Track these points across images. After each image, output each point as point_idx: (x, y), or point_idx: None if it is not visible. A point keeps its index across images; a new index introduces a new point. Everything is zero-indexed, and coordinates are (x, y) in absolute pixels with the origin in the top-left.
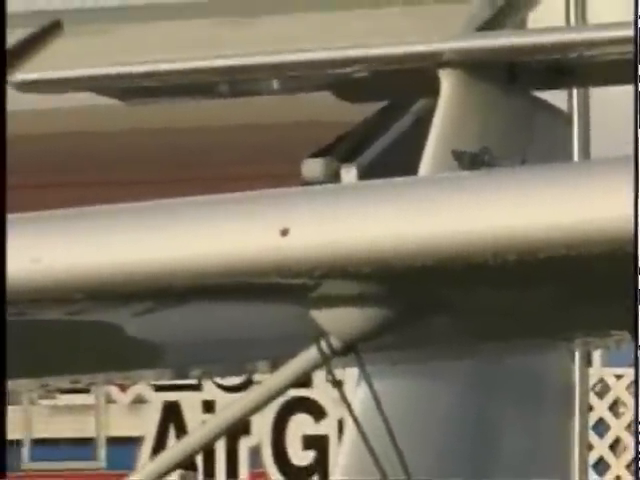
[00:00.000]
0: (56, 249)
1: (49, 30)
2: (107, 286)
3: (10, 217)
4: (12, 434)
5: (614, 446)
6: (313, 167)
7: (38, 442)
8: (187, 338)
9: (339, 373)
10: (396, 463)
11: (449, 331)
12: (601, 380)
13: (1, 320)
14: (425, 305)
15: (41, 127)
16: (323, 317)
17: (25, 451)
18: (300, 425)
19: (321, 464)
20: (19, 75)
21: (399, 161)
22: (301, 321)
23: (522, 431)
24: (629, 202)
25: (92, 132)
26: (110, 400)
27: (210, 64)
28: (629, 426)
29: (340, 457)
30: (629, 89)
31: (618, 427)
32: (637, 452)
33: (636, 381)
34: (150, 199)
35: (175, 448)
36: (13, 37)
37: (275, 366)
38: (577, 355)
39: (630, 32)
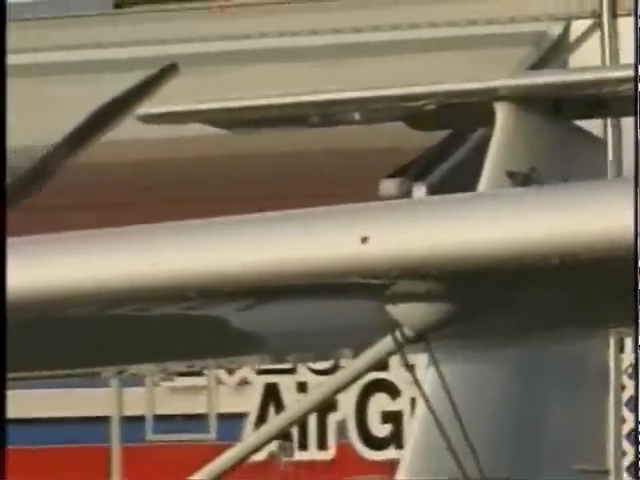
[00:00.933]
0: (169, 255)
1: (167, 71)
2: (215, 286)
3: (133, 228)
4: (137, 411)
5: None
6: (389, 186)
7: (159, 418)
8: (283, 329)
9: (411, 358)
10: (459, 434)
11: (503, 323)
12: (632, 364)
13: (1, 319)
14: (483, 301)
15: (156, 153)
16: (397, 311)
17: (148, 426)
18: (379, 403)
19: (397, 435)
20: (142, 109)
21: (462, 180)
22: (378, 314)
23: (565, 408)
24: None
25: (198, 157)
26: (219, 382)
27: (303, 99)
28: None
29: (413, 429)
30: None
31: None
32: (637, 452)
33: (636, 381)
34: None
35: (274, 422)
36: (135, 78)
37: (357, 353)
38: (612, 342)
39: None
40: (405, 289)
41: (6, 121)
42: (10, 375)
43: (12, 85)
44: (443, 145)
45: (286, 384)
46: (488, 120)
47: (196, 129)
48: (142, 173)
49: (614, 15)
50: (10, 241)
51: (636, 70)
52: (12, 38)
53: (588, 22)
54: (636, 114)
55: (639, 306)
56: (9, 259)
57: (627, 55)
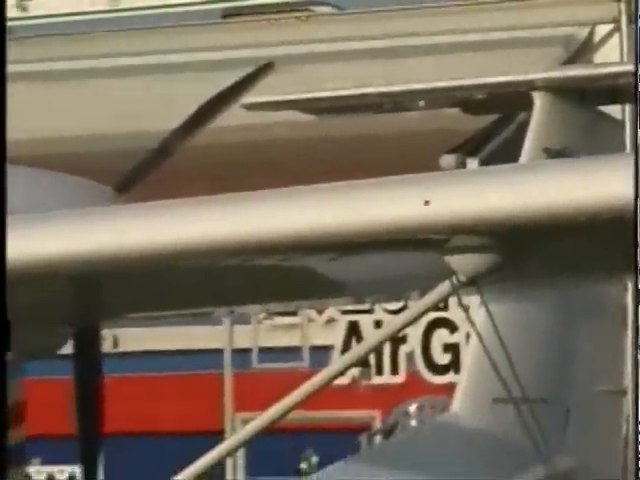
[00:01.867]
0: (274, 219)
1: (263, 69)
2: (311, 242)
3: (236, 194)
4: (245, 344)
5: None
6: (448, 160)
7: (262, 350)
8: (362, 276)
9: (465, 300)
10: (505, 361)
11: (537, 270)
12: None
13: (1, 318)
14: (523, 252)
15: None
16: (453, 261)
17: (254, 356)
18: (440, 336)
19: (455, 363)
20: (247, 99)
21: (506, 155)
22: (438, 264)
23: (590, 340)
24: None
25: (289, 139)
26: (311, 320)
27: (378, 90)
28: None
29: (467, 357)
30: None
31: None
32: (637, 452)
33: (636, 381)
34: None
35: (355, 352)
36: (236, 75)
37: (422, 295)
38: (629, 284)
39: None
40: (460, 243)
41: (6, 121)
42: (148, 314)
43: (142, 80)
44: (491, 127)
45: (365, 321)
46: (527, 106)
47: (287, 115)
48: (244, 153)
49: (630, 20)
50: (144, 205)
51: (636, 70)
52: (146, 42)
53: (609, 27)
54: (636, 114)
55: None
56: (145, 221)
57: None
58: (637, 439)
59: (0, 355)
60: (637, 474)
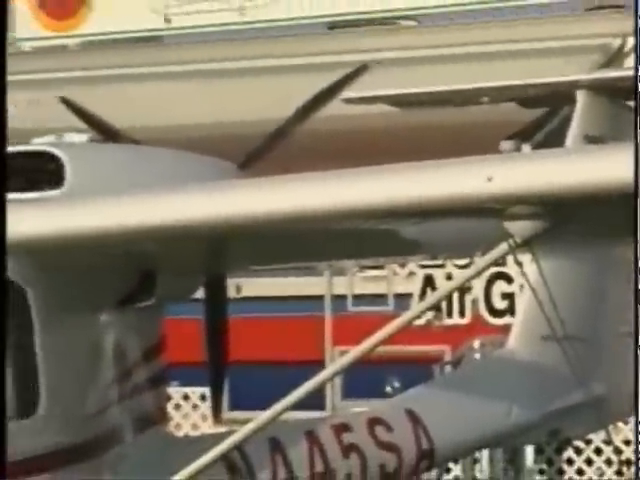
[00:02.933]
0: (353, 194)
1: (360, 70)
2: (398, 209)
3: (336, 171)
4: (341, 292)
5: None
6: (506, 145)
7: (356, 296)
8: (438, 238)
9: (520, 257)
10: (551, 306)
11: (579, 234)
12: None
13: (1, 318)
14: (567, 220)
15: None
16: (511, 226)
17: (348, 302)
18: (499, 286)
19: (511, 308)
20: (346, 94)
21: (554, 141)
22: (499, 228)
23: (615, 289)
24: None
25: (378, 127)
26: (395, 273)
27: (452, 88)
28: None
29: (520, 304)
30: None
31: None
32: (637, 451)
33: (636, 380)
34: None
35: (430, 299)
36: (337, 75)
37: (485, 253)
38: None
39: None
40: (515, 211)
41: (6, 121)
42: (266, 267)
43: (263, 79)
44: (542, 118)
45: (438, 274)
46: (571, 101)
47: (377, 107)
48: (341, 137)
49: None
50: (264, 179)
51: (636, 70)
52: (267, 48)
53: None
54: (636, 112)
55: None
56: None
57: None
58: (637, 439)
59: (0, 360)
60: (637, 474)
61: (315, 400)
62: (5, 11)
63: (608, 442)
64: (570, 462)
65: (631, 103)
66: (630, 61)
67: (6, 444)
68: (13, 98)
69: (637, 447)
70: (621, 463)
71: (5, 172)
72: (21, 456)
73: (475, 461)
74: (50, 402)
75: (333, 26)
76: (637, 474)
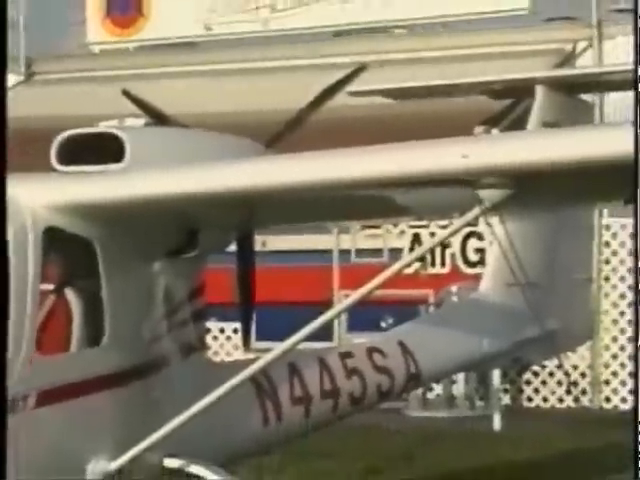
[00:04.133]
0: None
1: (359, 69)
2: (393, 179)
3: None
4: (346, 247)
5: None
6: (478, 129)
7: (358, 250)
8: (423, 203)
9: (490, 219)
10: (514, 258)
11: (538, 199)
12: (608, 226)
13: (1, 320)
14: (528, 188)
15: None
16: (483, 194)
17: (352, 255)
18: (473, 243)
19: (482, 260)
20: (351, 88)
21: (518, 127)
22: (473, 195)
23: (571, 244)
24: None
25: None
26: (389, 231)
27: (436, 83)
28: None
29: (490, 256)
30: (621, 94)
31: (616, 245)
32: (637, 451)
33: (636, 380)
34: None
35: (416, 252)
36: (342, 74)
37: (462, 214)
38: (596, 210)
39: (622, 67)
40: (487, 182)
41: (7, 120)
42: (287, 225)
43: (282, 76)
44: (508, 108)
45: (424, 233)
46: (531, 94)
47: (373, 99)
48: (345, 123)
49: (600, 40)
50: (286, 155)
51: (636, 70)
52: (285, 51)
53: (585, 43)
54: (636, 111)
55: (639, 307)
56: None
57: (606, 61)
58: (637, 439)
59: (1, 355)
60: (637, 474)
61: (324, 333)
62: (5, 12)
63: (559, 367)
64: (528, 383)
65: (580, 96)
66: (581, 61)
67: (6, 442)
68: (86, 90)
69: (637, 447)
70: (569, 384)
71: (5, 172)
72: (92, 376)
73: (453, 382)
74: (113, 334)
75: (338, 34)
76: (637, 474)
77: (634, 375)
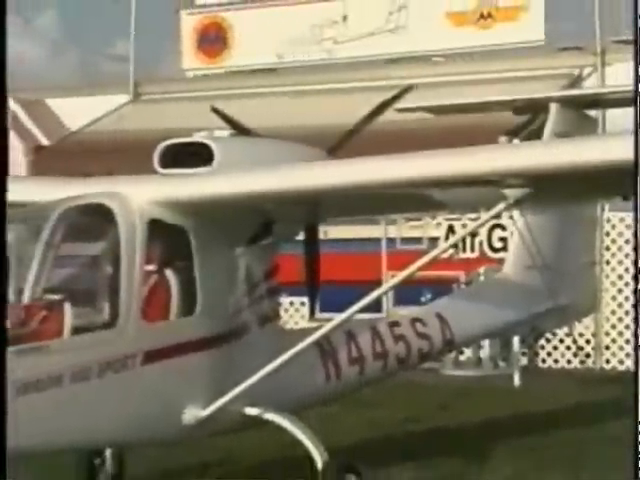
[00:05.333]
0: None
1: (406, 89)
2: (432, 180)
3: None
4: (392, 235)
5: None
6: (502, 139)
7: (403, 239)
8: (457, 199)
9: (513, 213)
10: (532, 245)
11: (553, 198)
12: (608, 219)
13: (1, 323)
14: (545, 187)
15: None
16: (507, 192)
17: (397, 242)
18: (497, 233)
19: (505, 247)
20: (400, 105)
21: (535, 137)
22: (498, 194)
23: (579, 234)
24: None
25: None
26: (427, 222)
27: (469, 101)
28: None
29: (511, 244)
30: (620, 110)
31: (615, 234)
32: (637, 451)
33: (636, 381)
34: None
35: (451, 240)
36: (386, 95)
37: (488, 209)
38: (598, 206)
39: (620, 89)
40: (510, 182)
41: (7, 118)
42: (344, 218)
43: (343, 96)
44: (527, 122)
45: (457, 224)
46: (546, 110)
47: (417, 114)
48: (393, 134)
49: (603, 65)
50: (344, 160)
51: (636, 70)
52: (344, 75)
53: (591, 68)
54: (636, 111)
55: (639, 307)
56: (344, 169)
57: (608, 83)
58: (637, 439)
59: (1, 355)
60: (637, 474)
61: (375, 306)
62: (5, 12)
63: (568, 334)
64: (542, 347)
65: (587, 111)
66: (587, 83)
67: (6, 443)
68: (182, 107)
69: (637, 447)
70: (577, 348)
71: (6, 171)
72: (186, 340)
73: (480, 346)
74: (203, 305)
75: (389, 61)
76: (637, 474)
77: (634, 374)
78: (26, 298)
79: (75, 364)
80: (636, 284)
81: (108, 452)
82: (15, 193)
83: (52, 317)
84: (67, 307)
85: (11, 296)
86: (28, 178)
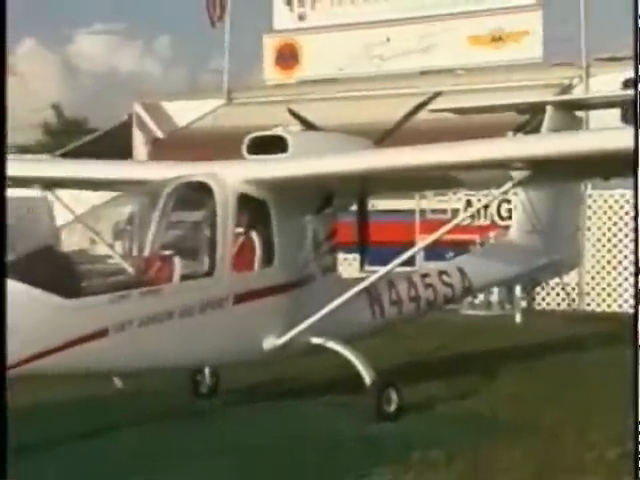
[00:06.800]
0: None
1: (435, 95)
2: (455, 165)
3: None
4: (423, 207)
5: (594, 213)
6: (509, 134)
7: (432, 210)
8: (474, 179)
9: (517, 190)
10: (533, 214)
11: (551, 178)
12: (590, 195)
13: (1, 326)
14: (542, 170)
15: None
16: (512, 173)
17: (427, 212)
18: (505, 205)
19: (510, 217)
20: (431, 106)
21: (535, 132)
22: (506, 174)
23: (567, 209)
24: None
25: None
26: (450, 197)
27: (484, 104)
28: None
29: (515, 214)
30: (601, 111)
31: (596, 207)
32: (637, 452)
33: (635, 379)
34: None
35: (469, 211)
36: (420, 99)
37: (497, 187)
38: (584, 184)
39: (600, 95)
40: (515, 166)
41: (7, 121)
42: (388, 193)
43: (388, 101)
44: (528, 120)
45: (473, 199)
46: (544, 111)
47: (444, 114)
48: (423, 130)
49: (587, 77)
50: (385, 149)
51: (636, 71)
52: (385, 84)
53: (578, 79)
54: (636, 112)
55: (639, 306)
56: (392, 154)
57: (591, 90)
58: (637, 439)
59: (1, 353)
60: (637, 474)
61: (410, 262)
62: (4, 13)
63: (558, 283)
64: (538, 293)
65: (575, 112)
66: (575, 90)
67: (7, 443)
68: (263, 108)
69: (637, 447)
70: (565, 294)
71: (5, 171)
72: (267, 285)
73: (490, 292)
74: (280, 258)
75: (422, 73)
76: (637, 474)
77: (634, 374)
78: (146, 253)
79: (182, 303)
80: (636, 284)
81: (207, 370)
82: (138, 173)
83: (165, 267)
84: (176, 260)
85: (135, 251)
86: (148, 162)
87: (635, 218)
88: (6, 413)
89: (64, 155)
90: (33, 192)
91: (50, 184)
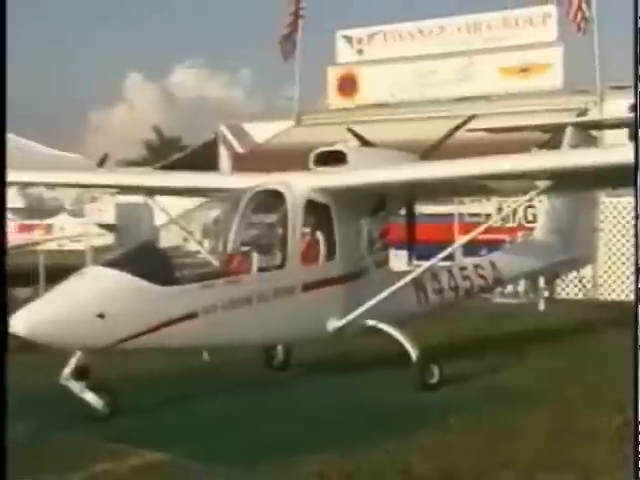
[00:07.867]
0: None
1: (471, 118)
2: (489, 176)
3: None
4: (461, 211)
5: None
6: (534, 150)
7: (469, 214)
8: (504, 187)
9: (542, 197)
10: (554, 218)
11: (571, 187)
12: (603, 202)
13: (2, 327)
14: (563, 180)
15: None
16: (538, 183)
17: (465, 216)
18: (530, 210)
19: (535, 220)
20: (468, 127)
21: (557, 148)
22: (532, 184)
23: (584, 214)
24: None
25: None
26: (484, 203)
27: (513, 125)
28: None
29: (540, 217)
30: (614, 131)
31: (608, 212)
32: (637, 452)
33: (635, 379)
34: None
35: (501, 214)
36: (458, 121)
37: (525, 194)
38: (599, 193)
39: (613, 117)
40: (540, 176)
41: (6, 123)
42: (431, 200)
43: (428, 122)
44: (551, 138)
45: (504, 204)
46: (564, 131)
47: (478, 133)
48: (460, 147)
49: (601, 102)
50: (434, 161)
51: (636, 70)
52: (430, 109)
53: (593, 104)
54: (636, 112)
55: (639, 307)
56: (436, 166)
57: (605, 114)
58: (637, 439)
59: (0, 355)
60: (637, 474)
61: (450, 258)
62: (4, 14)
63: (576, 277)
64: (558, 285)
65: (591, 132)
66: (591, 113)
67: (6, 444)
68: (327, 128)
69: (637, 447)
70: (581, 286)
71: (5, 172)
72: (329, 277)
73: (517, 284)
74: (340, 254)
75: (460, 99)
76: (637, 474)
77: (634, 374)
78: (229, 249)
79: (259, 291)
80: (637, 284)
81: (280, 347)
82: (223, 182)
83: (245, 261)
84: (254, 255)
85: (220, 248)
86: (232, 174)
87: (635, 225)
88: (6, 413)
89: (163, 168)
90: (138, 198)
91: (151, 192)
